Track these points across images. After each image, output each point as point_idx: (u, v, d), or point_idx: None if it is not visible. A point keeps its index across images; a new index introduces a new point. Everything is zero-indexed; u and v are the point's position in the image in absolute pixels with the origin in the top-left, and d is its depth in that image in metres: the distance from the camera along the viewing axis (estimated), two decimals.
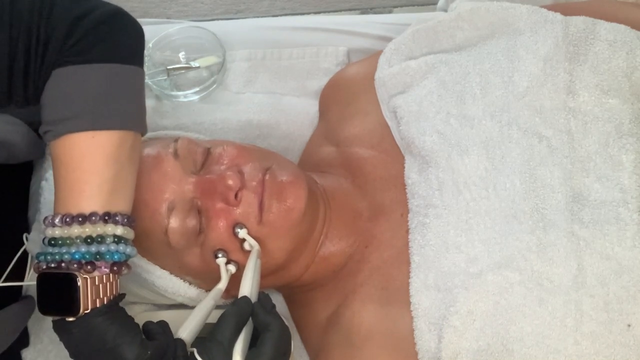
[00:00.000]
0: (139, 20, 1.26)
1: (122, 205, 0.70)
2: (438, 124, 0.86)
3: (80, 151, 0.68)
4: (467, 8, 0.92)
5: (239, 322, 0.71)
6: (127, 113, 0.70)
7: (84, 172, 0.68)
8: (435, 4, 1.23)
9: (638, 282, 0.72)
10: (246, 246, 0.79)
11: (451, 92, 0.87)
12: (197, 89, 1.11)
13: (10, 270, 0.92)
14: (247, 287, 0.75)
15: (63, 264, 0.68)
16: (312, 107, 1.09)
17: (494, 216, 0.78)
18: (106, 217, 0.68)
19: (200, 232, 0.79)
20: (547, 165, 0.78)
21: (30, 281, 0.97)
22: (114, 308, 0.69)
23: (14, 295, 0.96)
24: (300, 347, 0.91)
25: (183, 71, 1.13)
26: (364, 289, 0.83)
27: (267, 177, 0.80)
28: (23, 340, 0.94)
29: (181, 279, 0.85)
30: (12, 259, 0.92)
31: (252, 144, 0.93)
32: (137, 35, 0.73)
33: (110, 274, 0.69)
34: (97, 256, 0.68)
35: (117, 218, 0.69)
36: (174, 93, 1.12)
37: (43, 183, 0.97)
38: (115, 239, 0.69)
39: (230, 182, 0.78)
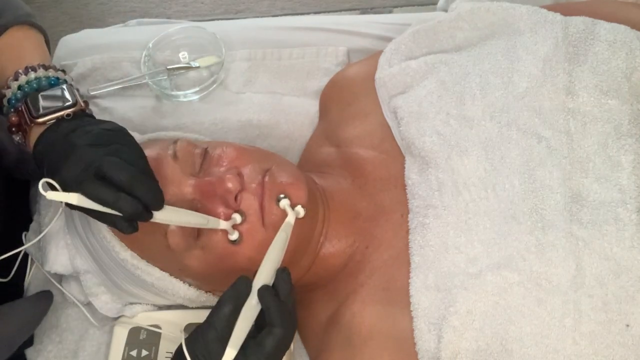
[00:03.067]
0: (139, 20, 1.27)
1: None
2: (438, 125, 0.86)
3: (18, 38, 0.88)
4: (467, 8, 0.92)
5: (236, 306, 0.70)
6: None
7: (24, 50, 0.87)
8: (435, 4, 1.23)
9: (636, 282, 0.72)
10: (284, 227, 0.77)
11: (451, 93, 0.87)
12: (197, 89, 1.12)
13: (8, 269, 0.92)
14: (263, 270, 0.72)
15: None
16: (312, 107, 1.09)
17: (493, 217, 0.78)
18: (54, 68, 0.84)
19: (198, 235, 0.79)
20: (546, 165, 0.78)
21: (31, 278, 0.98)
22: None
23: (16, 296, 0.96)
24: (300, 347, 0.92)
25: (183, 71, 1.13)
26: (365, 290, 0.83)
27: (266, 178, 0.80)
28: (28, 339, 0.94)
29: (181, 280, 0.85)
30: (12, 258, 0.92)
31: (252, 144, 0.93)
32: None
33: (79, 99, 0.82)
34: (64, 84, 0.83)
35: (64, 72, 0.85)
36: (174, 93, 1.12)
37: None
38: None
39: (229, 185, 0.78)
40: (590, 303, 0.72)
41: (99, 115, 1.11)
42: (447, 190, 0.82)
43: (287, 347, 0.72)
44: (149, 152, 0.82)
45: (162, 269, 0.83)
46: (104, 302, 0.90)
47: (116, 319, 0.92)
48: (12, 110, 0.81)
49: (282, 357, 0.72)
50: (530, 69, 0.83)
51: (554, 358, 0.72)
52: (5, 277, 0.91)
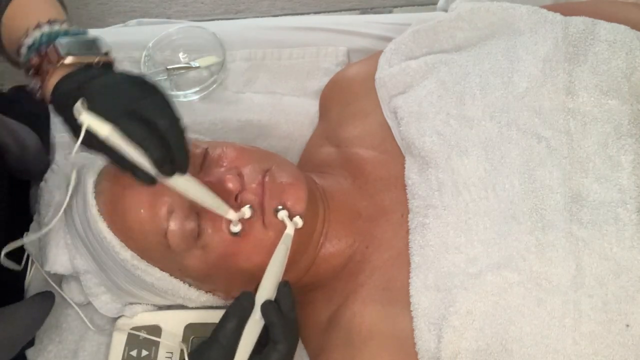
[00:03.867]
0: (139, 20, 1.27)
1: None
2: (438, 125, 0.86)
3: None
4: (467, 8, 0.93)
5: (241, 321, 0.71)
6: None
7: (42, 5, 0.80)
8: (435, 4, 1.23)
9: (636, 282, 0.72)
10: (283, 240, 0.77)
11: (451, 93, 0.87)
12: (197, 89, 1.12)
13: (9, 268, 0.92)
14: (265, 285, 0.73)
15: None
16: (312, 107, 1.10)
17: (493, 217, 0.78)
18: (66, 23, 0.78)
19: (199, 235, 0.79)
20: (546, 165, 0.78)
21: (31, 279, 0.98)
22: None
23: (16, 295, 0.96)
24: (300, 347, 0.91)
25: (183, 71, 1.13)
26: (365, 290, 0.83)
27: (266, 178, 0.80)
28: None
29: (181, 280, 0.85)
30: (13, 257, 0.92)
31: (252, 144, 0.93)
32: None
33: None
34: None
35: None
36: (174, 93, 1.12)
37: (42, 184, 0.97)
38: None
39: (230, 185, 0.78)
40: (590, 303, 0.72)
41: None
42: (447, 190, 0.82)
43: (292, 357, 0.73)
44: None
45: (162, 269, 0.83)
46: (104, 302, 0.90)
47: (116, 319, 0.92)
48: (33, 53, 0.76)
49: None
50: (530, 69, 0.83)
51: (554, 358, 0.72)
52: (11, 274, 0.92)
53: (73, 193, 0.86)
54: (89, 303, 0.92)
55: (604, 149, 0.78)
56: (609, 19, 0.87)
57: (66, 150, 1.06)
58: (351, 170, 0.93)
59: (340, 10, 1.88)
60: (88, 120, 0.65)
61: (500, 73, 0.85)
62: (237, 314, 0.72)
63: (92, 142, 0.68)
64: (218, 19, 1.83)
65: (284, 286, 0.74)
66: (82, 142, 0.69)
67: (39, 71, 0.76)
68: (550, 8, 0.90)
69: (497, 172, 0.80)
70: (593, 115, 0.80)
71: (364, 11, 1.87)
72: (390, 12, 1.84)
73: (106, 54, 0.76)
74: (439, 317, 0.76)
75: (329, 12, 1.89)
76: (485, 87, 0.85)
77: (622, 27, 0.85)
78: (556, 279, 0.74)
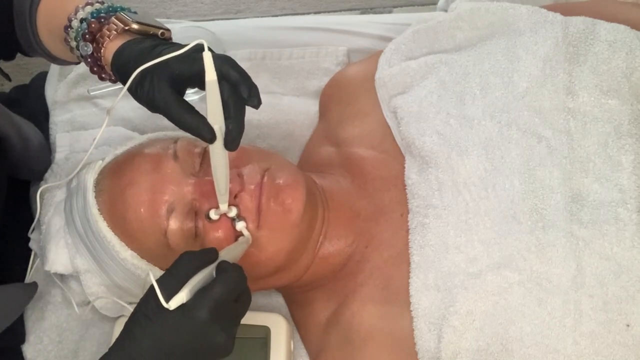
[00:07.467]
0: None
1: None
2: (438, 125, 0.86)
3: None
4: (467, 8, 0.93)
5: (199, 265, 0.70)
6: None
7: None
8: (435, 4, 1.23)
9: (637, 282, 0.72)
10: (240, 239, 0.78)
11: (451, 93, 0.87)
12: (197, 89, 1.11)
13: (11, 266, 0.92)
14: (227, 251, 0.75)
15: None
16: (312, 107, 1.09)
17: (494, 216, 0.78)
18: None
19: (197, 235, 0.79)
20: (546, 165, 0.79)
21: (33, 275, 0.97)
22: None
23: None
24: (300, 347, 0.92)
25: None
26: (364, 289, 0.83)
27: (265, 179, 0.80)
28: (19, 335, 0.94)
29: None
30: (15, 255, 0.94)
31: (252, 144, 0.93)
32: None
33: None
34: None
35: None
36: None
37: (42, 183, 0.97)
38: None
39: (229, 185, 0.78)
40: (590, 303, 0.73)
41: (98, 115, 1.11)
42: (448, 189, 0.82)
43: (241, 293, 0.72)
44: (148, 151, 0.82)
45: (162, 268, 0.83)
46: (104, 302, 0.89)
47: (116, 319, 0.92)
48: (94, 19, 0.77)
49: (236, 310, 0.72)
50: (530, 69, 0.84)
51: (554, 358, 0.72)
52: (11, 274, 0.91)
53: (73, 192, 0.86)
54: (89, 303, 0.91)
55: (604, 149, 0.78)
56: (609, 19, 0.87)
57: (66, 150, 1.06)
58: (350, 169, 0.93)
59: (340, 10, 1.88)
60: (208, 57, 0.67)
61: (500, 73, 0.85)
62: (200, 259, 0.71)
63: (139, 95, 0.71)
64: (218, 19, 1.82)
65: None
66: (135, 95, 0.71)
67: (95, 37, 0.77)
68: (550, 8, 0.90)
69: (497, 171, 0.80)
70: (593, 115, 0.80)
71: (364, 11, 1.86)
72: (390, 12, 1.84)
73: (168, 30, 0.77)
74: (439, 317, 0.76)
75: (329, 12, 1.89)
76: (486, 87, 0.85)
77: (622, 27, 0.85)
78: (556, 278, 0.74)
